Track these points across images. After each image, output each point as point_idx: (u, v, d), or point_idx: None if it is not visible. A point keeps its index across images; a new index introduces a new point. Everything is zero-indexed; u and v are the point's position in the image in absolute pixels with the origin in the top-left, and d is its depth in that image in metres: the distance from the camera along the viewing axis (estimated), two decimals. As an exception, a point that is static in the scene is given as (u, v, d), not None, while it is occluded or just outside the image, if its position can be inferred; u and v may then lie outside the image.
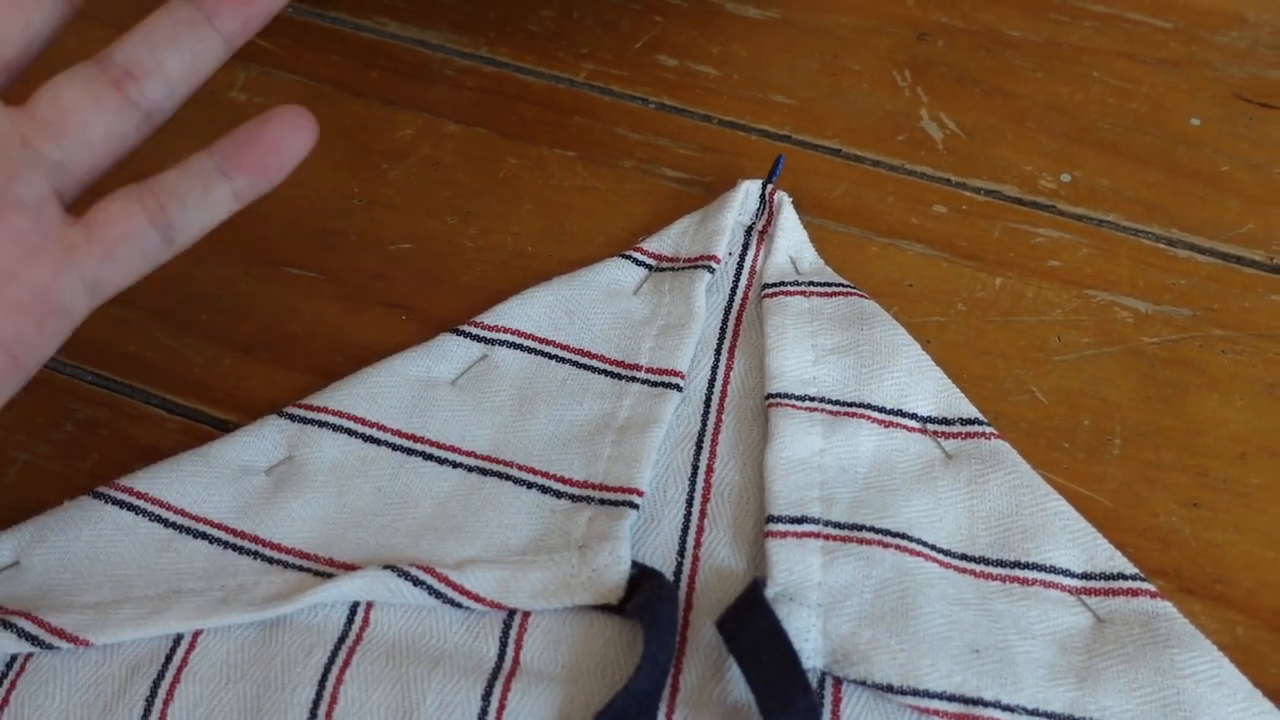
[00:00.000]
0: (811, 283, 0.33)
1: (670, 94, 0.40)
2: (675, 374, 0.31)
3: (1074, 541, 0.28)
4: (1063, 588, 0.27)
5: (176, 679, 0.26)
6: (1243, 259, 0.35)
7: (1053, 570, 0.28)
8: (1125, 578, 0.27)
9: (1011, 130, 0.38)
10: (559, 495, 0.29)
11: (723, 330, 0.33)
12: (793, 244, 0.34)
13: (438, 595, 0.27)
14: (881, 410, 0.30)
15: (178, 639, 0.27)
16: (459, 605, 0.27)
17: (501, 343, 0.32)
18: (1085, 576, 0.27)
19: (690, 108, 0.39)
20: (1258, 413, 0.31)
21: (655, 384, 0.31)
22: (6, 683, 0.26)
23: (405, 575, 0.27)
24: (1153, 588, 0.27)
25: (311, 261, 0.35)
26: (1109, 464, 0.30)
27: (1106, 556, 0.28)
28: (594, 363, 0.32)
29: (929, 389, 0.31)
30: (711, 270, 0.33)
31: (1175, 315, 0.33)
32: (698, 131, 0.39)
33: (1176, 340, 0.33)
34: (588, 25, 0.42)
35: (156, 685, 0.26)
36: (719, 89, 0.40)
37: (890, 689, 0.25)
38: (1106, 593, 0.27)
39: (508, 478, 0.29)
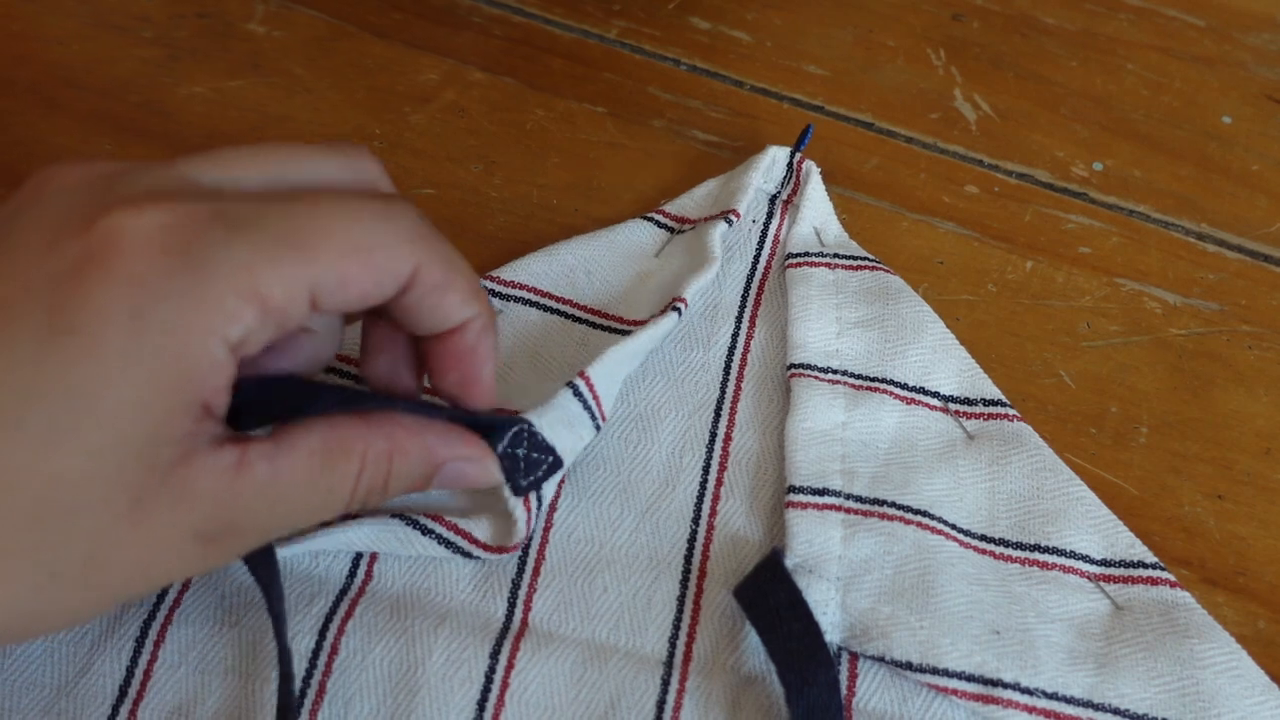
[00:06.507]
0: (836, 255, 0.33)
1: (703, 57, 0.39)
2: (678, 299, 0.30)
3: (1095, 528, 0.28)
4: (1082, 573, 0.27)
5: (169, 620, 0.25)
6: (1270, 257, 0.34)
7: (1072, 555, 0.27)
8: (1145, 566, 0.27)
9: (1044, 116, 0.38)
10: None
11: (744, 298, 0.32)
12: (818, 215, 0.34)
13: (447, 544, 0.26)
14: (904, 387, 0.30)
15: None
16: (468, 555, 0.26)
17: (518, 299, 0.31)
18: (1105, 563, 0.27)
19: (723, 72, 0.39)
20: (1282, 410, 0.31)
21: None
22: None
23: (414, 524, 0.26)
24: (1172, 577, 0.26)
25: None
26: (1135, 452, 0.30)
27: (1127, 544, 0.27)
28: (611, 323, 0.31)
29: (952, 368, 0.30)
30: (730, 222, 0.32)
31: (1203, 309, 0.33)
32: (729, 96, 0.38)
33: (1204, 333, 0.32)
34: (618, -18, 0.41)
35: (148, 626, 0.25)
36: (752, 55, 0.39)
37: (909, 666, 0.25)
38: (1126, 580, 0.27)
39: None
